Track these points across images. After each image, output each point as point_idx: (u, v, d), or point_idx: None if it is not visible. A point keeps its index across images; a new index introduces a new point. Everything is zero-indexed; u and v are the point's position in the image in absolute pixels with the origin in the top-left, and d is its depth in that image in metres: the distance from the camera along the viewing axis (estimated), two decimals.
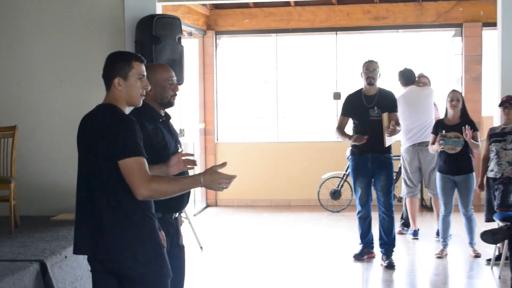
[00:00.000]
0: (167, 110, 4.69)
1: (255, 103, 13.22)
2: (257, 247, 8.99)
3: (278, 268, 7.89)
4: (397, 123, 7.74)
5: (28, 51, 8.55)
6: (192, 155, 4.58)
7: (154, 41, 7.83)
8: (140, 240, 3.86)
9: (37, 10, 8.56)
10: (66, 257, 6.34)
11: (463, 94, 11.58)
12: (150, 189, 3.75)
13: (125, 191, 3.80)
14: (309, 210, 11.37)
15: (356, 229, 8.27)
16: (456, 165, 7.84)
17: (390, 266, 7.67)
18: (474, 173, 7.98)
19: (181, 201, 4.57)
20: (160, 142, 4.43)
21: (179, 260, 4.70)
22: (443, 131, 7.83)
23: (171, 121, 4.74)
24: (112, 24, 8.42)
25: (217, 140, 12.38)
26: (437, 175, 8.13)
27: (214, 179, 3.88)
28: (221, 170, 3.91)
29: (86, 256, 6.56)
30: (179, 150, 4.57)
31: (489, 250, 7.74)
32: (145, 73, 3.99)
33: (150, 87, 4.08)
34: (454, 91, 8.07)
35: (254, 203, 11.71)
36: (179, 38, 8.18)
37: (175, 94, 4.61)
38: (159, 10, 8.48)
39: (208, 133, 12.08)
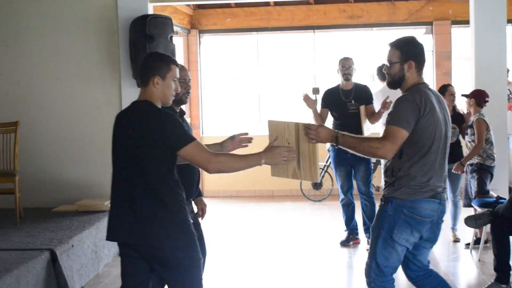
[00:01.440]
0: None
1: (237, 97, 13.51)
2: (244, 235, 9.29)
3: (266, 255, 8.12)
4: (374, 114, 8.19)
5: (26, 50, 8.83)
6: (247, 133, 4.93)
7: (148, 40, 8.12)
8: (177, 227, 4.14)
9: (34, 11, 8.84)
10: (72, 246, 6.70)
11: (434, 89, 12.11)
12: (218, 162, 4.07)
13: (162, 181, 4.10)
14: (292, 200, 11.76)
15: (339, 217, 8.66)
16: (452, 154, 8.25)
17: None
18: None
19: (190, 190, 4.97)
20: None
21: (201, 238, 5.11)
22: None
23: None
24: (106, 24, 8.72)
25: (203, 134, 12.74)
26: None
27: (274, 154, 4.21)
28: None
29: (90, 245, 7.00)
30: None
31: (468, 235, 8.14)
32: (178, 77, 4.31)
33: (179, 90, 4.39)
34: (450, 86, 8.40)
35: (239, 193, 12.02)
36: (171, 37, 8.46)
37: (187, 92, 5.02)
38: (150, 11, 8.76)
39: (194, 127, 12.28)
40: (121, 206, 4.18)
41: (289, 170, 4.48)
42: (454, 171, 7.96)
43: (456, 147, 8.18)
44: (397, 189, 4.50)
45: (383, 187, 4.70)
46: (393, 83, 4.63)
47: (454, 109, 8.36)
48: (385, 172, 4.70)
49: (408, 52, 4.55)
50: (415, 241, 4.62)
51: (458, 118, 8.27)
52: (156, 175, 4.09)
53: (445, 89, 8.27)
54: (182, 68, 4.97)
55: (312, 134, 4.37)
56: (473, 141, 7.86)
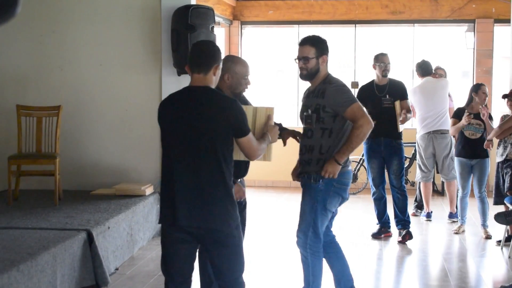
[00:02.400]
0: None
1: (278, 90, 13.57)
2: (278, 225, 9.42)
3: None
4: (408, 111, 8.26)
5: (70, 38, 9.03)
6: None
7: (190, 29, 8.24)
8: (233, 208, 4.28)
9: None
10: (109, 228, 6.86)
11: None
12: (261, 150, 4.45)
13: (227, 163, 4.24)
14: None
15: (372, 210, 8.75)
16: (474, 150, 8.42)
17: (408, 234, 8.24)
18: (489, 158, 8.50)
19: (239, 170, 5.06)
20: None
21: (243, 219, 5.28)
22: (471, 114, 8.37)
23: None
24: (149, 13, 8.85)
25: None
26: (456, 160, 8.67)
27: (275, 133, 4.73)
28: None
29: (125, 228, 7.17)
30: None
31: (499, 232, 8.19)
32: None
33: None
34: (483, 85, 8.56)
35: (274, 184, 12.16)
36: (212, 27, 8.57)
37: (247, 88, 5.22)
38: (193, 1, 8.85)
39: None
40: (182, 189, 4.21)
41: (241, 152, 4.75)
42: (485, 147, 8.18)
43: (479, 143, 8.35)
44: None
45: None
46: (309, 76, 5.34)
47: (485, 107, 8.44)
48: (310, 150, 5.31)
49: (321, 48, 5.34)
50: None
51: (488, 115, 8.35)
52: (224, 156, 4.20)
53: (478, 88, 8.46)
54: (246, 65, 5.23)
55: (328, 175, 5.14)
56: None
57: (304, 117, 5.36)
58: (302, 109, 5.49)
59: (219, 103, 4.22)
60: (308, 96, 5.42)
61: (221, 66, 4.40)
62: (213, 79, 4.32)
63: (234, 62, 5.09)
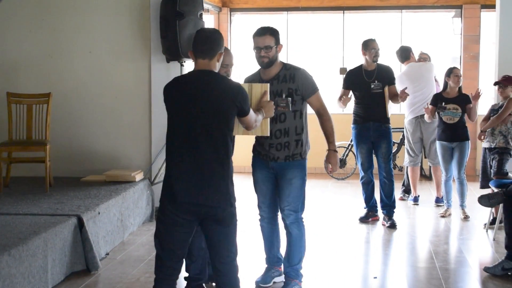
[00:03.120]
0: None
1: None
2: (248, 208, 9.49)
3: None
4: (397, 95, 8.36)
5: (60, 25, 9.07)
6: None
7: (178, 16, 8.28)
8: (233, 186, 4.47)
9: None
10: (99, 213, 6.95)
11: (461, 72, 12.16)
12: (258, 121, 4.84)
13: (231, 143, 4.45)
14: (316, 178, 11.92)
15: (360, 195, 8.86)
16: (454, 133, 8.54)
17: (392, 226, 8.33)
18: (469, 141, 8.62)
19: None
20: None
21: None
22: (443, 103, 8.49)
23: None
24: (138, 1, 8.90)
25: None
26: (437, 143, 8.79)
27: (270, 108, 5.09)
28: None
29: (116, 214, 7.24)
30: None
31: (485, 215, 8.32)
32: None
33: None
34: (456, 68, 8.67)
35: (247, 169, 12.19)
36: (201, 14, 8.63)
37: (227, 75, 5.39)
38: None
39: None
40: (187, 168, 4.33)
41: (240, 127, 4.91)
42: (478, 139, 8.32)
43: (458, 127, 8.50)
44: (304, 145, 5.72)
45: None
46: (270, 63, 5.64)
47: (459, 90, 8.57)
48: (286, 133, 5.65)
49: (278, 38, 5.68)
50: None
51: (464, 98, 8.49)
52: (227, 135, 4.38)
53: (450, 72, 8.61)
54: (226, 53, 5.26)
55: (332, 168, 5.83)
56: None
57: (277, 102, 5.59)
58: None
59: (225, 86, 4.42)
60: (271, 83, 5.60)
61: (223, 52, 4.56)
62: (217, 65, 4.49)
63: None
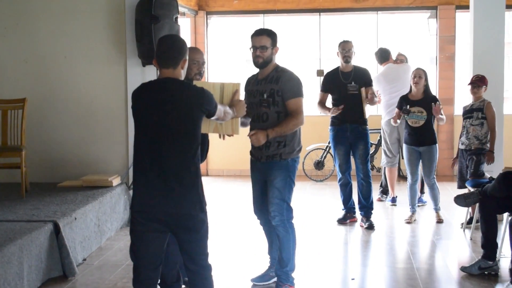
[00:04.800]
0: None
1: (244, 79, 13.65)
2: (246, 212, 9.35)
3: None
4: (373, 97, 8.38)
5: (34, 30, 9.01)
6: None
7: (154, 20, 8.26)
8: (202, 191, 4.46)
9: None
10: (75, 218, 6.91)
11: (437, 73, 12.21)
12: (229, 113, 4.85)
13: (197, 148, 4.40)
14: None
15: (338, 197, 8.84)
16: (420, 137, 8.41)
17: (370, 227, 8.35)
18: (437, 144, 8.52)
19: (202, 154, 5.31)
20: None
21: None
22: (407, 106, 8.40)
23: None
24: (113, 5, 8.88)
25: None
26: (404, 146, 8.67)
27: (242, 107, 5.05)
28: None
29: (93, 219, 7.20)
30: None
31: (462, 215, 8.38)
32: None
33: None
34: (417, 69, 8.57)
35: (242, 173, 12.21)
36: (176, 18, 8.60)
37: (198, 73, 5.55)
38: None
39: None
40: (155, 176, 4.31)
41: (211, 125, 5.01)
42: (487, 163, 8.08)
43: (424, 130, 8.39)
44: (286, 146, 5.80)
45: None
46: (264, 64, 5.79)
47: (425, 91, 8.49)
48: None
49: (275, 40, 5.81)
50: None
51: (430, 101, 8.39)
52: (194, 141, 4.37)
53: (412, 74, 8.58)
54: (195, 50, 5.48)
55: (253, 140, 5.63)
56: (479, 124, 8.04)
57: (259, 101, 5.78)
58: (250, 94, 5.95)
59: (190, 93, 4.37)
60: (259, 83, 5.86)
61: (187, 58, 4.52)
62: (181, 72, 4.48)
63: None
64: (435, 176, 8.63)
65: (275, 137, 5.70)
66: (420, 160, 8.58)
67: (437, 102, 8.30)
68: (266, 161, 5.81)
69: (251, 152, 6.01)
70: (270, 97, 5.74)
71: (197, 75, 5.56)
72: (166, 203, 4.30)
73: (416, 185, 8.73)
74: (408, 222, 8.66)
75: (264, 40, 5.74)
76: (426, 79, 8.51)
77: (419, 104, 8.39)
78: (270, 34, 5.78)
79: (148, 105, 4.37)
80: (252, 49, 5.81)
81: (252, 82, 6.01)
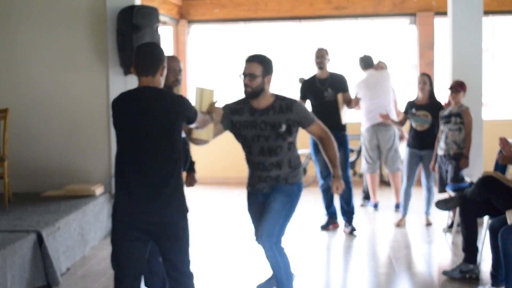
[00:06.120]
0: None
1: (225, 87, 13.67)
2: (230, 219, 9.55)
3: (250, 238, 8.30)
4: (350, 102, 8.49)
5: (15, 39, 8.99)
6: None
7: (135, 30, 8.31)
8: (184, 198, 4.47)
9: (23, 0, 9.00)
10: (59, 228, 6.90)
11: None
12: (207, 120, 4.85)
13: (179, 156, 4.42)
14: None
15: (321, 203, 8.92)
16: (423, 140, 8.54)
17: (352, 231, 8.44)
18: None
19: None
20: None
21: None
22: (413, 110, 8.57)
23: None
24: (95, 14, 8.88)
25: None
26: (406, 149, 8.77)
27: (219, 113, 5.01)
28: None
29: (76, 228, 7.20)
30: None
31: (444, 219, 8.49)
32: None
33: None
34: (422, 74, 8.75)
35: (226, 180, 12.21)
36: (157, 27, 8.65)
37: (177, 81, 5.47)
38: (138, 1, 8.90)
39: None
40: (137, 185, 4.32)
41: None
42: (461, 168, 8.11)
43: (428, 134, 8.51)
44: (296, 175, 5.41)
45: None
46: (254, 94, 5.22)
47: (431, 97, 8.62)
48: (278, 166, 5.31)
49: (268, 68, 5.24)
50: None
51: (435, 106, 8.54)
52: (175, 148, 4.38)
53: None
54: (172, 58, 5.45)
55: (338, 191, 5.54)
56: (457, 129, 8.10)
57: (271, 133, 5.26)
58: (245, 126, 5.36)
59: (169, 101, 4.37)
60: (262, 113, 5.30)
61: (166, 66, 4.54)
62: (160, 80, 4.49)
63: None
64: (433, 180, 8.70)
65: (287, 169, 5.32)
66: (419, 165, 8.70)
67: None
68: (270, 189, 5.37)
69: (250, 184, 5.49)
70: (288, 129, 5.24)
71: (175, 82, 5.50)
72: (149, 212, 4.31)
73: (411, 189, 8.81)
74: (398, 225, 8.78)
75: (253, 68, 5.16)
76: (431, 84, 8.67)
77: (425, 108, 8.54)
78: (262, 61, 5.19)
79: (129, 114, 4.37)
80: (242, 76, 5.25)
81: (242, 111, 5.37)
